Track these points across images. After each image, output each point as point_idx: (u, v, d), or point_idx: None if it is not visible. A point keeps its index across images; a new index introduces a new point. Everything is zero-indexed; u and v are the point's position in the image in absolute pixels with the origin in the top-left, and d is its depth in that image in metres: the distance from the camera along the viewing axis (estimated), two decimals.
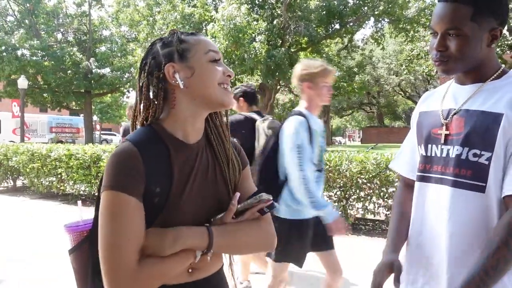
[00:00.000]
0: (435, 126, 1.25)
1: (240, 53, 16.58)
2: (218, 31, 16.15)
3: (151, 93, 1.05)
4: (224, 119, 1.17)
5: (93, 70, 24.63)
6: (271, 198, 1.04)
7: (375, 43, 24.03)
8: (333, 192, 5.49)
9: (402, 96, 42.28)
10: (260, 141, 3.05)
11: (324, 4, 19.85)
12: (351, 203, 5.49)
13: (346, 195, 5.43)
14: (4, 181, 9.30)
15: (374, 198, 5.27)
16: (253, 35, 17.22)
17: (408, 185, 1.40)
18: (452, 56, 1.14)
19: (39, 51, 22.86)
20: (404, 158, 1.44)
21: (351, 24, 21.25)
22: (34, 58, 22.76)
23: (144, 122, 1.08)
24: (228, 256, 1.16)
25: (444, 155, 1.21)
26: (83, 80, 23.96)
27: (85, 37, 26.30)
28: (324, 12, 19.98)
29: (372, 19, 21.71)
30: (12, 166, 8.66)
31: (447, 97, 1.27)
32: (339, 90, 29.10)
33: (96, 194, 1.07)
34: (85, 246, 1.10)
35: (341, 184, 5.35)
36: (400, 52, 29.95)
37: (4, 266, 4.12)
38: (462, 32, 1.11)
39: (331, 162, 5.31)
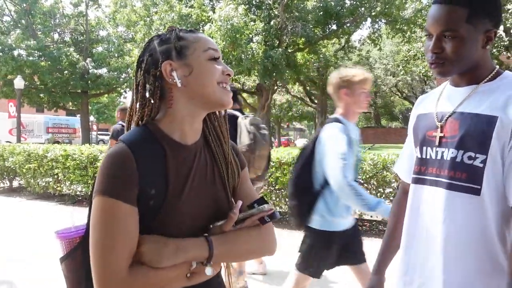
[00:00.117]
0: (430, 129, 1.25)
1: (237, 53, 16.57)
2: (215, 32, 16.14)
3: (147, 92, 1.01)
4: (223, 119, 1.13)
5: (90, 71, 24.53)
6: (273, 208, 1.03)
7: (372, 44, 24.08)
8: None
9: (399, 97, 42.38)
10: (242, 138, 3.08)
11: (321, 4, 19.87)
12: None
13: None
14: (0, 181, 9.26)
15: None
16: (250, 35, 17.23)
17: (407, 191, 1.39)
18: (448, 58, 1.14)
19: (36, 51, 22.76)
20: (403, 162, 1.47)
21: (348, 24, 21.27)
22: (31, 58, 22.67)
23: (139, 122, 1.04)
24: None
25: (438, 157, 1.21)
26: (79, 81, 23.87)
27: (82, 37, 26.20)
28: (321, 13, 20.01)
29: (369, 19, 21.76)
30: (9, 167, 8.63)
31: (442, 99, 1.27)
32: None
33: (89, 196, 1.04)
34: (77, 254, 1.05)
35: None
36: (397, 53, 30.04)
37: (4, 266, 4.13)
38: (458, 34, 1.11)
39: None
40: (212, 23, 16.79)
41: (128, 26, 25.02)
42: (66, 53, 23.16)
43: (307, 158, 2.33)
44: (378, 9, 20.09)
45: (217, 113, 1.13)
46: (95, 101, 33.87)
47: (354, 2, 20.45)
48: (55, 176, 7.82)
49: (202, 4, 19.21)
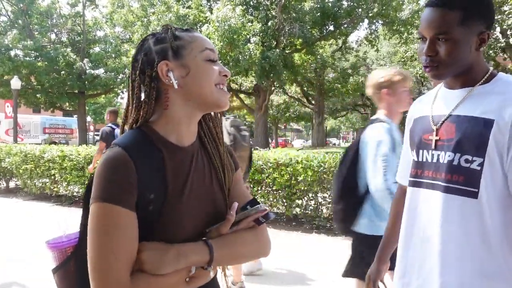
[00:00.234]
0: (426, 132, 1.26)
1: (234, 54, 16.61)
2: (212, 32, 16.16)
3: (142, 93, 0.98)
4: (218, 120, 1.12)
5: (87, 71, 24.49)
6: (267, 208, 1.03)
7: (369, 45, 24.20)
8: (327, 194, 5.51)
9: None
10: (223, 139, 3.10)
11: (318, 5, 19.94)
12: None
13: None
14: None
15: None
16: (248, 36, 17.27)
17: (404, 192, 1.40)
18: (442, 61, 1.14)
19: (33, 52, 22.69)
20: (401, 167, 1.49)
21: (345, 25, 21.35)
22: (28, 58, 22.59)
23: (134, 124, 1.00)
24: None
25: (434, 160, 1.21)
26: (76, 81, 23.81)
27: (79, 37, 26.14)
28: (319, 14, 20.08)
29: (366, 21, 21.86)
30: (5, 167, 8.59)
31: (437, 102, 1.28)
32: (333, 91, 29.12)
33: (83, 203, 1.00)
34: (70, 264, 1.02)
35: None
36: (394, 54, 30.09)
37: (4, 266, 4.13)
38: (452, 37, 1.11)
39: (325, 164, 5.32)
40: (209, 23, 16.81)
41: (125, 27, 25.05)
42: (63, 54, 23.11)
43: (352, 159, 2.26)
44: (375, 10, 20.18)
45: (212, 114, 1.11)
46: (92, 101, 33.76)
47: (351, 3, 20.52)
48: (52, 177, 7.79)
49: (200, 5, 19.24)
